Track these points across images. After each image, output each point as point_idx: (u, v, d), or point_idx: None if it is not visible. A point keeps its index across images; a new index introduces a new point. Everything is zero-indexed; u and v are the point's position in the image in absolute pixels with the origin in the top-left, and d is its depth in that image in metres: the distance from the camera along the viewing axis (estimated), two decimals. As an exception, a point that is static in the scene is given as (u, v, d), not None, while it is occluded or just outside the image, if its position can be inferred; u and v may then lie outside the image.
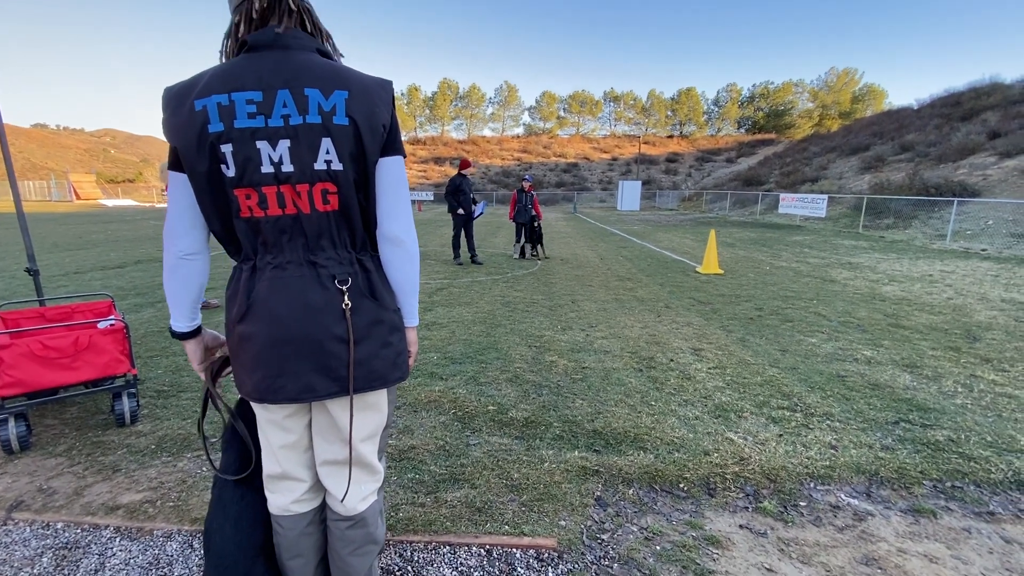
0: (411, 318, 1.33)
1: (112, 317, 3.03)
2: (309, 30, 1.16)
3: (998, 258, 10.18)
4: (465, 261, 9.07)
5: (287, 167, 1.08)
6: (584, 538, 1.93)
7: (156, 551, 1.83)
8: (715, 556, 1.85)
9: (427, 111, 71.90)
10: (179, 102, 1.06)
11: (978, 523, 2.05)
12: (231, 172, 1.07)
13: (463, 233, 9.00)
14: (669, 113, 71.87)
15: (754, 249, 11.72)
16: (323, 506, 1.41)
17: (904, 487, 2.29)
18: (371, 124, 1.12)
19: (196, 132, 1.04)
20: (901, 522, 2.06)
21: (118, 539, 1.89)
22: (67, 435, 2.67)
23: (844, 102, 62.07)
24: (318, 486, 1.37)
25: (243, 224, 1.13)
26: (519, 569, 1.78)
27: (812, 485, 2.31)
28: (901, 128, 26.26)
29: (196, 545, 1.86)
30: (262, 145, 1.06)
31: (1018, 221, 12.54)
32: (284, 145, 1.07)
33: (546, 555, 1.84)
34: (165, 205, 1.20)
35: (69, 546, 1.85)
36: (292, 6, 1.11)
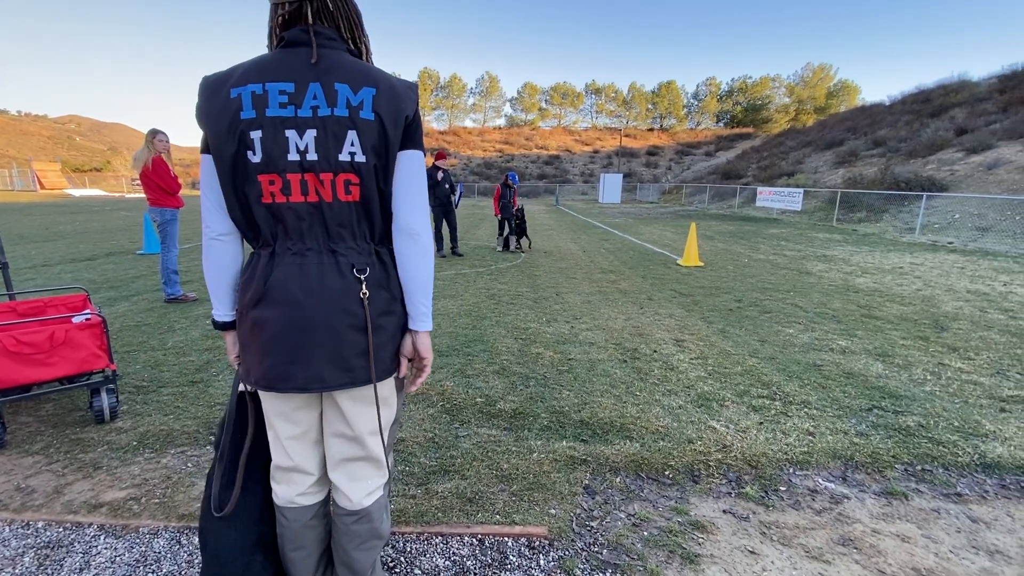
0: (424, 321, 1.27)
1: (88, 311, 2.95)
2: (344, 34, 1.19)
3: (964, 251, 10.57)
4: (447, 253, 9.04)
5: (312, 155, 1.10)
6: (574, 525, 1.97)
7: (143, 548, 1.81)
8: (700, 540, 1.91)
9: (407, 101, 70.90)
10: (215, 90, 1.10)
11: (947, 504, 2.15)
12: (257, 158, 1.09)
13: (445, 224, 8.96)
14: (650, 106, 72.40)
15: (733, 242, 11.94)
16: (328, 499, 1.42)
17: (877, 471, 2.39)
18: (395, 119, 1.14)
19: (229, 118, 1.08)
20: (875, 504, 2.15)
21: (102, 537, 1.86)
22: (44, 433, 2.60)
23: (819, 97, 63.41)
24: (324, 479, 1.38)
25: (264, 210, 1.13)
26: (511, 557, 1.80)
27: (791, 470, 2.39)
28: (873, 124, 26.92)
29: (184, 541, 1.84)
30: (290, 134, 1.09)
31: (983, 215, 13.02)
32: (311, 135, 1.09)
33: (537, 543, 1.87)
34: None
35: (52, 545, 1.81)
36: (311, 14, 1.13)
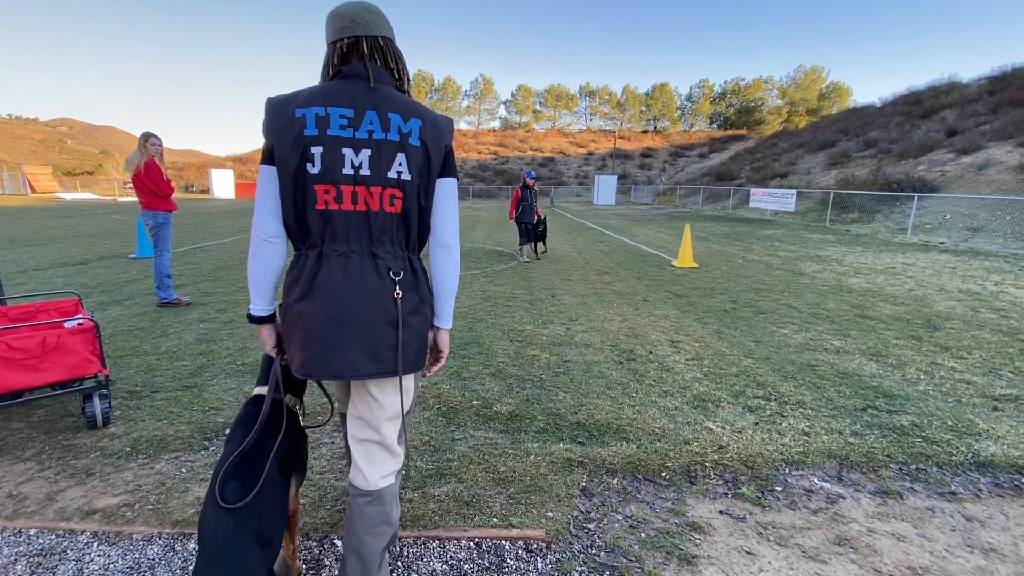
0: (447, 319, 1.49)
1: (80, 316, 2.93)
2: (390, 64, 1.37)
3: (955, 251, 10.66)
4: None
5: (365, 171, 1.28)
6: (571, 528, 1.97)
7: (136, 555, 1.79)
8: (697, 541, 1.91)
9: (402, 103, 70.86)
10: (281, 109, 1.26)
11: (941, 503, 2.17)
12: (315, 169, 1.26)
13: None
14: (643, 108, 72.65)
15: (727, 243, 11.99)
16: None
17: (872, 470, 2.40)
18: (437, 147, 1.35)
19: (294, 134, 1.24)
20: (870, 503, 2.16)
21: (96, 544, 1.84)
22: (36, 439, 2.57)
23: (811, 99, 63.90)
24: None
25: (317, 215, 1.29)
26: (509, 560, 1.80)
27: (787, 470, 2.39)
28: (865, 125, 27.13)
29: (178, 548, 1.83)
30: (347, 151, 1.26)
31: (973, 215, 13.14)
32: (365, 153, 1.27)
33: (535, 546, 1.87)
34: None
35: (44, 553, 1.79)
36: (367, 50, 1.32)
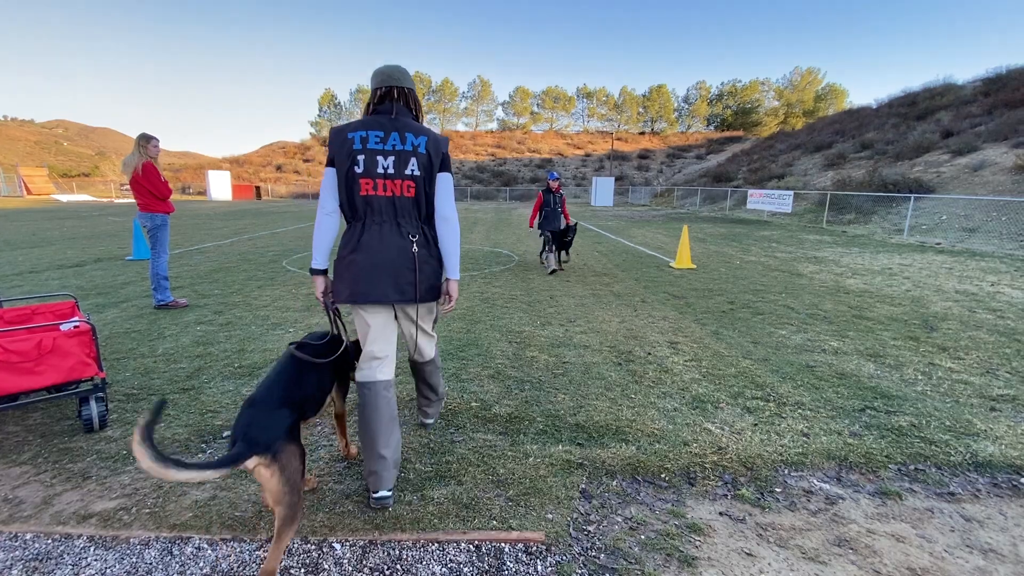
0: (454, 272, 2.22)
1: (76, 318, 2.91)
2: (410, 107, 2.12)
3: (952, 251, 10.70)
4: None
5: (391, 171, 2.00)
6: (571, 530, 1.96)
7: (134, 559, 1.78)
8: (697, 543, 1.91)
9: (399, 105, 70.67)
10: (339, 133, 2.01)
11: (940, 503, 2.17)
12: (360, 169, 1.98)
13: None
14: (641, 110, 72.69)
15: (724, 244, 12.01)
16: (392, 381, 2.15)
17: (871, 471, 2.40)
18: (437, 154, 2.07)
19: (347, 148, 1.98)
20: (869, 504, 2.16)
21: (92, 548, 1.82)
22: (31, 442, 2.55)
23: (808, 101, 64.08)
24: (391, 363, 2.16)
25: (362, 199, 2.01)
26: (508, 563, 1.79)
27: (786, 471, 2.39)
28: (861, 126, 27.23)
29: (176, 551, 1.81)
30: (379, 158, 1.99)
31: (969, 216, 13.20)
32: (391, 159, 2.00)
33: (535, 548, 1.86)
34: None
35: (40, 557, 1.78)
36: (396, 95, 2.07)
